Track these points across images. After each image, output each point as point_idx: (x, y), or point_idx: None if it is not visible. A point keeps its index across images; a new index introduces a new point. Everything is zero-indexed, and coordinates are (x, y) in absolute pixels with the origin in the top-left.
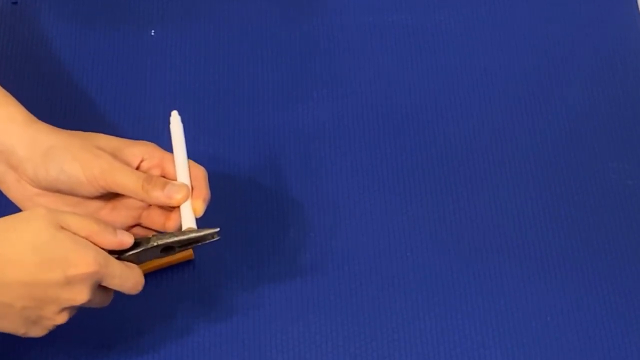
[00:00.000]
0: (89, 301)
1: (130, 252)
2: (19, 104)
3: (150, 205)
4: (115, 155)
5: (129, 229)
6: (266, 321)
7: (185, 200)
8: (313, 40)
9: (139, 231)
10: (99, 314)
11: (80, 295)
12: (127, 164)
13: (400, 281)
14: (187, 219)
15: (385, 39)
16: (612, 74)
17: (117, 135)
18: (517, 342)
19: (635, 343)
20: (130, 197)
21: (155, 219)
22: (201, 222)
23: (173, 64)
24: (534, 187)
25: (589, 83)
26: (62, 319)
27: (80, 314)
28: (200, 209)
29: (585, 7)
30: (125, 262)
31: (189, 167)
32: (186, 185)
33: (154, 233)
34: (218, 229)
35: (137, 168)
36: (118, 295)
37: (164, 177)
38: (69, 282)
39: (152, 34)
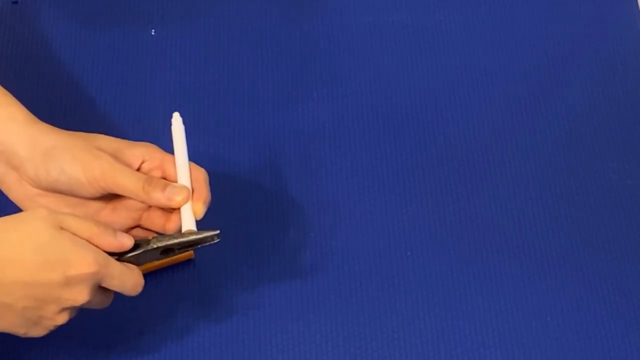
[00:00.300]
0: (89, 302)
1: (130, 254)
2: (19, 103)
3: (150, 206)
4: (116, 157)
5: (129, 230)
6: (266, 321)
7: (185, 202)
8: (313, 40)
9: (139, 233)
10: (99, 314)
11: (81, 296)
12: (128, 165)
13: (400, 281)
14: (187, 220)
15: (385, 39)
16: (612, 74)
17: (117, 136)
18: (517, 342)
19: (635, 343)
20: (130, 198)
21: (155, 221)
22: (201, 224)
23: (173, 64)
24: (534, 187)
25: (589, 83)
26: (63, 319)
27: (80, 314)
28: (201, 211)
29: (585, 7)
30: (125, 263)
31: (190, 169)
32: (187, 187)
33: (154, 235)
34: (218, 232)
35: (138, 169)
36: (118, 295)
37: (164, 178)
38: (69, 282)
39: (152, 33)
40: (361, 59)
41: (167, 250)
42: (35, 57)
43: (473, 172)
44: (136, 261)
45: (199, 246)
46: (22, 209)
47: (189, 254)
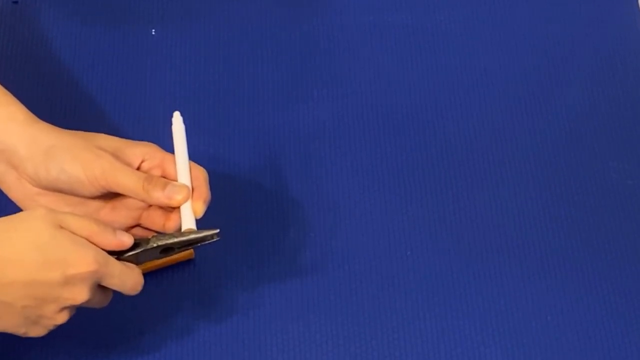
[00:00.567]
0: (89, 301)
1: (130, 253)
2: (19, 103)
3: (150, 205)
4: (116, 156)
5: (128, 229)
6: (266, 321)
7: (185, 201)
8: (313, 40)
9: (139, 232)
10: (99, 314)
11: (80, 295)
12: (128, 164)
13: (400, 281)
14: (187, 219)
15: (385, 39)
16: (612, 74)
17: (117, 135)
18: (517, 342)
19: (635, 343)
20: (130, 197)
21: (155, 220)
22: (201, 223)
23: (173, 64)
24: (534, 187)
25: (589, 83)
26: (63, 318)
27: (80, 313)
28: (201, 210)
29: (585, 7)
30: (125, 263)
31: (190, 168)
32: (187, 186)
33: (154, 234)
34: (218, 230)
35: (138, 168)
36: (118, 295)
37: (164, 177)
38: (69, 281)
39: (153, 33)
40: (361, 59)
41: (166, 249)
42: (35, 57)
43: (473, 172)
44: (136, 260)
45: (199, 245)
46: (22, 208)
47: (189, 253)
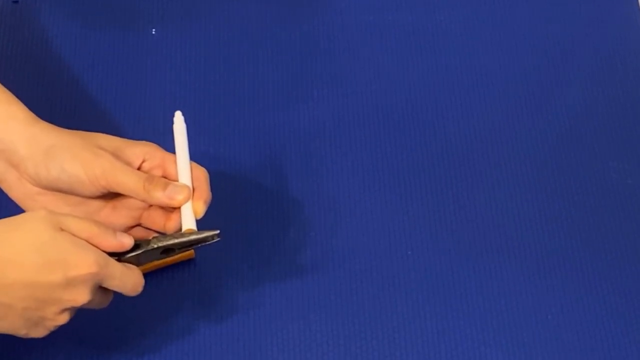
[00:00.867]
0: (89, 302)
1: (131, 254)
2: (20, 102)
3: (151, 205)
4: (116, 155)
5: (129, 229)
6: (267, 320)
7: (186, 201)
8: (313, 40)
9: (140, 232)
10: (99, 314)
11: (81, 296)
12: (129, 164)
13: (400, 280)
14: (188, 220)
15: (385, 39)
16: (612, 74)
17: (117, 135)
18: (518, 342)
19: (635, 343)
20: (131, 197)
21: (155, 220)
22: (202, 222)
23: (173, 64)
24: (534, 187)
25: (589, 83)
26: (63, 319)
27: (80, 314)
28: (201, 211)
29: (585, 7)
30: (125, 264)
31: (191, 168)
32: (187, 187)
33: (155, 235)
34: (218, 231)
35: (139, 168)
36: (118, 295)
37: (165, 177)
38: (70, 283)
39: (153, 33)
40: (361, 58)
41: (167, 250)
42: (35, 57)
43: (473, 172)
44: (136, 261)
45: (199, 246)
46: (23, 207)
47: (190, 253)
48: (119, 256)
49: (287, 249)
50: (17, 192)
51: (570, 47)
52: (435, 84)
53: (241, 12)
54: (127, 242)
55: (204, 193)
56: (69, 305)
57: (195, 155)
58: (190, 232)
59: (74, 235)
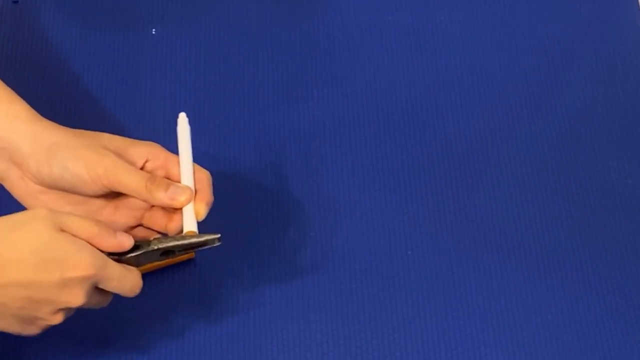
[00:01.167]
0: (86, 303)
1: (130, 255)
2: (22, 100)
3: (152, 206)
4: (119, 155)
5: (130, 229)
6: (267, 320)
7: (188, 202)
8: (313, 40)
9: (141, 232)
10: (99, 314)
11: (77, 298)
12: (132, 163)
13: (400, 280)
14: (189, 221)
15: (385, 39)
16: (612, 74)
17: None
18: (518, 342)
19: (636, 343)
20: (133, 197)
21: (157, 220)
22: (202, 224)
23: (173, 64)
24: (534, 187)
25: (589, 83)
26: (57, 319)
27: (80, 314)
28: (203, 213)
29: (585, 7)
30: (124, 265)
31: (194, 170)
32: (190, 188)
33: (155, 236)
34: (219, 235)
35: (142, 168)
36: (117, 295)
37: (168, 178)
38: (67, 284)
39: (153, 33)
40: (361, 58)
41: (167, 252)
42: (35, 57)
43: (473, 172)
44: (136, 262)
45: (200, 249)
46: (25, 206)
47: (190, 254)
48: (118, 256)
49: (287, 249)
50: (19, 190)
51: (570, 47)
52: (435, 84)
53: (241, 12)
54: (126, 242)
55: (206, 195)
56: (63, 306)
57: (196, 155)
58: (192, 235)
59: (74, 235)
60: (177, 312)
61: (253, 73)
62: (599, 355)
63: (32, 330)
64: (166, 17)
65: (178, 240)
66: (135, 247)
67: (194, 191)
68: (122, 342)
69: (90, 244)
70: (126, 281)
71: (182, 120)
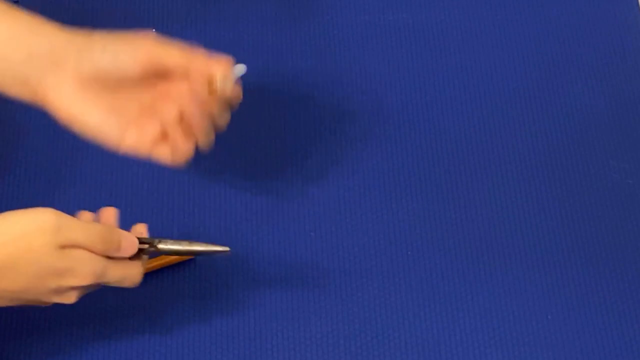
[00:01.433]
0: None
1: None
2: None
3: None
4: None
5: (158, 139)
6: (266, 321)
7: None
8: (313, 40)
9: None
10: (98, 314)
11: (69, 299)
12: None
13: (400, 280)
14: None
15: (385, 39)
16: (612, 73)
17: None
18: (518, 342)
19: (636, 343)
20: (174, 77)
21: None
22: (202, 224)
23: None
24: (534, 187)
25: (589, 83)
26: (49, 304)
27: (80, 314)
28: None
29: (586, 7)
30: (125, 264)
31: None
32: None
33: (161, 238)
34: (229, 249)
35: None
36: (118, 295)
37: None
38: (62, 290)
39: (153, 32)
40: (361, 58)
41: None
42: None
43: (473, 172)
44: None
45: (204, 255)
46: (64, 118)
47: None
48: None
49: (287, 249)
50: (55, 99)
51: (570, 47)
52: (435, 84)
53: (241, 12)
54: (130, 250)
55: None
56: (55, 302)
57: (195, 154)
58: (200, 244)
59: (76, 246)
60: (177, 312)
61: (252, 73)
62: (599, 355)
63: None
64: (166, 17)
65: (184, 245)
66: (140, 250)
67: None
68: (122, 342)
69: (93, 251)
70: (126, 280)
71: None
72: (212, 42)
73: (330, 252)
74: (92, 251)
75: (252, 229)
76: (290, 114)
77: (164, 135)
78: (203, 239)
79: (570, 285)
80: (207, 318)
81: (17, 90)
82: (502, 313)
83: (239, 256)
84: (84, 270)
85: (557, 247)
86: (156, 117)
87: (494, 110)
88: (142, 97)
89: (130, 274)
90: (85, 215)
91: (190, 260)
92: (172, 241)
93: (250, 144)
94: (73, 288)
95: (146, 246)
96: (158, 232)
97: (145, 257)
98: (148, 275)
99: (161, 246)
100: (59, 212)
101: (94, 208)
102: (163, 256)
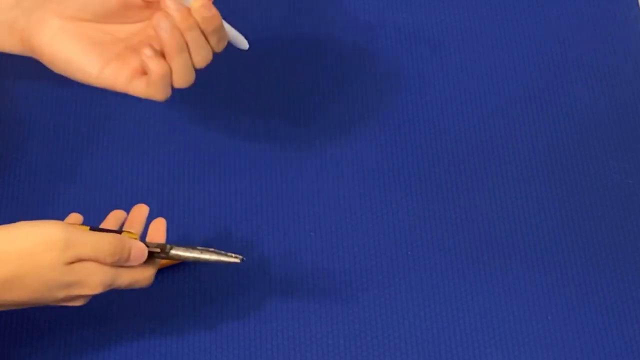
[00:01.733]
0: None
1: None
2: None
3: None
4: None
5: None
6: (266, 321)
7: None
8: (313, 40)
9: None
10: (98, 314)
11: (77, 304)
12: None
13: (400, 280)
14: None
15: (385, 39)
16: (612, 73)
17: (119, 137)
18: (518, 342)
19: (636, 343)
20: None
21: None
22: (203, 225)
23: None
24: (534, 187)
25: (589, 82)
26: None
27: (80, 315)
28: None
29: (586, 7)
30: (135, 268)
31: None
32: None
33: (172, 245)
34: (242, 258)
35: None
36: (117, 296)
37: None
38: (71, 298)
39: None
40: (361, 58)
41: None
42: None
43: (473, 172)
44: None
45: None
46: (47, 59)
47: None
48: None
49: (287, 250)
50: (38, 35)
51: (570, 47)
52: (435, 84)
53: (241, 13)
54: (140, 260)
55: None
56: (62, 305)
57: (194, 156)
58: (212, 253)
59: (86, 259)
60: (177, 312)
61: (252, 73)
62: (599, 355)
63: None
64: None
65: (195, 252)
66: (152, 255)
67: None
68: (122, 342)
69: (103, 263)
70: (136, 283)
71: None
72: None
73: (330, 252)
74: (101, 263)
75: (252, 229)
76: (290, 114)
77: (143, 71)
78: (203, 239)
79: (570, 285)
80: (207, 318)
81: (6, 39)
82: (502, 313)
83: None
84: (93, 282)
85: (557, 247)
86: (138, 53)
87: (494, 110)
88: (128, 33)
89: (141, 278)
90: (75, 217)
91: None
92: (183, 248)
93: (250, 144)
94: (82, 296)
95: (157, 251)
96: None
97: (157, 260)
98: None
99: (173, 252)
100: (67, 226)
101: (94, 208)
102: None
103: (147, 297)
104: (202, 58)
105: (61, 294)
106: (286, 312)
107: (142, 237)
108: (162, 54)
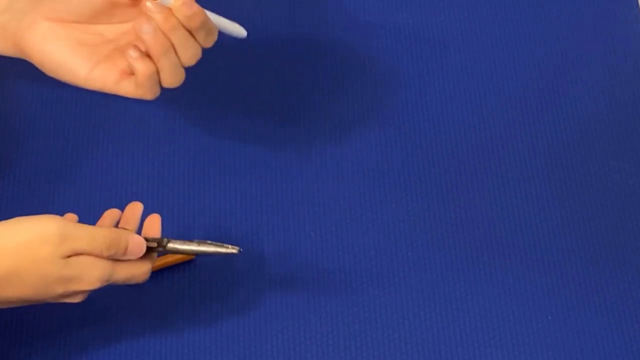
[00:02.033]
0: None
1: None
2: None
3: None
4: None
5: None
6: (266, 321)
7: None
8: (313, 40)
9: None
10: (98, 314)
11: (76, 300)
12: None
13: (400, 281)
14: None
15: (385, 39)
16: (612, 73)
17: (118, 138)
18: (518, 342)
19: (635, 343)
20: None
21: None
22: (202, 225)
23: None
24: (534, 187)
25: (589, 83)
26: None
27: (80, 314)
28: None
29: (586, 6)
30: (132, 263)
31: None
32: None
33: (169, 238)
34: (239, 249)
35: None
36: (117, 295)
37: None
38: (69, 294)
39: None
40: (361, 58)
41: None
42: None
43: (474, 172)
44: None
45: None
46: (36, 58)
47: (190, 256)
48: None
49: (287, 250)
50: (29, 37)
51: (570, 48)
52: (435, 84)
53: (240, 13)
54: (138, 253)
55: None
56: (62, 301)
57: (193, 155)
58: (210, 244)
59: (83, 254)
60: (177, 312)
61: (252, 73)
62: (599, 355)
63: None
64: None
65: (193, 245)
66: (150, 249)
67: None
68: (122, 342)
69: (100, 257)
70: (133, 278)
71: None
72: None
73: (330, 252)
74: (98, 256)
75: (252, 229)
76: (290, 114)
77: (131, 72)
78: (203, 239)
79: (570, 285)
80: (207, 318)
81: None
82: (502, 313)
83: (239, 256)
84: (91, 277)
85: (557, 247)
86: (125, 54)
87: (494, 110)
88: (117, 33)
89: (138, 273)
90: (70, 217)
91: (190, 260)
92: (181, 241)
93: (250, 144)
94: (80, 292)
95: (155, 245)
96: None
97: (154, 254)
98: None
99: (170, 246)
100: (63, 221)
101: (94, 208)
102: (163, 256)
103: (147, 296)
104: (190, 56)
105: (59, 289)
106: (286, 312)
107: (138, 234)
108: (148, 54)
